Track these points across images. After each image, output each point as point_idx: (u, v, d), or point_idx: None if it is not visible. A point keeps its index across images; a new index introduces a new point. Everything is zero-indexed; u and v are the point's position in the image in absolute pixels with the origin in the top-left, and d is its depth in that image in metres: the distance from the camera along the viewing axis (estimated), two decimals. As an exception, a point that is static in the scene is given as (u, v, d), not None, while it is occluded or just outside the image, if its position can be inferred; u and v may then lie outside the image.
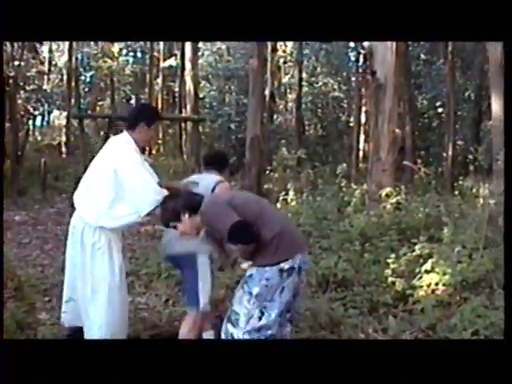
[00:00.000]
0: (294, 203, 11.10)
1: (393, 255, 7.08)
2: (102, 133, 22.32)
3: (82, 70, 33.05)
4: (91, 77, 35.61)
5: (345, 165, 12.68)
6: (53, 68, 33.01)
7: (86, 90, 36.21)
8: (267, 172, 16.12)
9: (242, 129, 20.74)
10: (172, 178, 18.91)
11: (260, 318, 4.11)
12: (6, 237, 12.00)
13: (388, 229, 8.32)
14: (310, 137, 26.34)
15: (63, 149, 27.83)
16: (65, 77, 28.55)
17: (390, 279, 6.73)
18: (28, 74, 27.49)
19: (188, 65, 23.30)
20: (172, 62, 28.73)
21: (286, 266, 4.11)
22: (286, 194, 11.55)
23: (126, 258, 5.40)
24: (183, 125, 24.91)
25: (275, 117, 26.84)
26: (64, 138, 28.08)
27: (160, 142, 28.71)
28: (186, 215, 4.42)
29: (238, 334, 4.14)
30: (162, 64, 29.82)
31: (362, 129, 23.95)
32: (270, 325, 4.13)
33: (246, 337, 4.11)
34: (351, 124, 25.64)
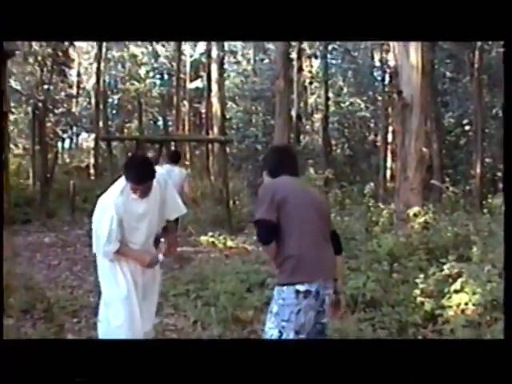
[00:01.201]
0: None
1: (421, 275, 7.02)
2: (129, 155, 22.51)
3: (109, 92, 33.37)
4: (119, 99, 35.95)
5: (372, 184, 12.70)
6: (81, 91, 33.45)
7: (114, 112, 36.58)
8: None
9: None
10: (199, 199, 19.05)
11: (279, 338, 4.07)
12: (36, 259, 12.17)
13: (416, 248, 8.27)
14: (337, 157, 26.35)
15: (91, 171, 28.09)
16: (93, 99, 28.85)
17: (419, 299, 6.66)
18: (57, 97, 27.92)
19: (214, 86, 23.50)
20: (198, 83, 29.01)
21: (302, 288, 4.04)
22: (314, 214, 11.50)
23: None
24: (210, 146, 25.06)
25: (302, 137, 26.88)
26: (92, 160, 28.35)
27: (187, 163, 28.90)
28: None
29: None
30: (189, 85, 30.10)
31: (389, 148, 23.89)
32: None
33: None
34: (378, 143, 25.60)
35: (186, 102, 31.08)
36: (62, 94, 29.06)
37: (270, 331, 4.09)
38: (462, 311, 6.28)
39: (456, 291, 6.48)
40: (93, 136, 29.06)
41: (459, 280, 6.62)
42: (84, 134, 35.87)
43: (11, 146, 26.01)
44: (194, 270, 9.45)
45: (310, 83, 29.94)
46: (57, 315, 7.11)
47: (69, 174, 24.95)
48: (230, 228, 14.55)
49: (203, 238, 13.55)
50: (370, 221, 10.72)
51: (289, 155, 4.57)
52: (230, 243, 12.66)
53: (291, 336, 4.04)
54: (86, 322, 7.25)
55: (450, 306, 6.38)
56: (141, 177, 4.82)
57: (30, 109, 27.51)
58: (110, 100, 34.95)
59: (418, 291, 6.79)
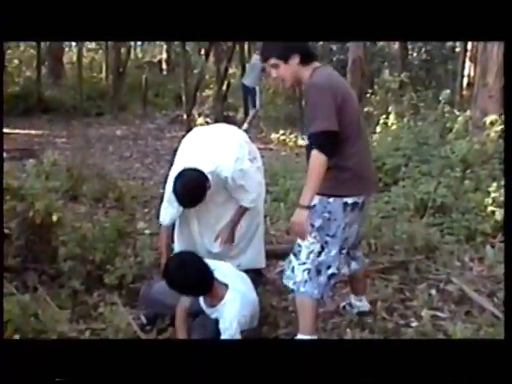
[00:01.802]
0: (394, 127, 10.89)
1: (494, 184, 6.82)
2: (202, 51, 22.37)
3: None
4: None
5: (448, 91, 12.33)
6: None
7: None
8: (368, 95, 15.88)
9: (344, 50, 20.35)
10: (272, 97, 18.93)
11: (320, 254, 3.86)
12: (108, 150, 12.40)
13: (491, 157, 8.03)
14: (413, 61, 25.61)
15: (164, 66, 28.13)
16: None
17: (490, 208, 6.50)
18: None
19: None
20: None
21: (350, 200, 3.80)
22: (387, 117, 11.33)
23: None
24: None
25: (378, 39, 26.26)
26: (165, 56, 28.34)
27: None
28: None
29: (298, 266, 3.92)
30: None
31: (467, 55, 23.12)
32: (330, 261, 3.88)
33: (305, 274, 3.89)
34: (457, 49, 24.78)
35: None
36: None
37: (312, 246, 3.85)
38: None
39: (530, 201, 6.32)
40: (166, 31, 28.94)
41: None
42: (157, 29, 35.70)
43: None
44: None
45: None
46: (128, 204, 7.27)
47: (141, 69, 25.06)
48: (302, 127, 14.50)
49: (274, 136, 13.54)
50: (445, 127, 10.45)
51: None
52: (301, 142, 12.60)
53: (333, 252, 3.86)
54: (156, 212, 7.40)
55: (523, 217, 6.25)
56: (186, 205, 4.59)
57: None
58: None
59: (489, 200, 6.63)
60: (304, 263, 3.89)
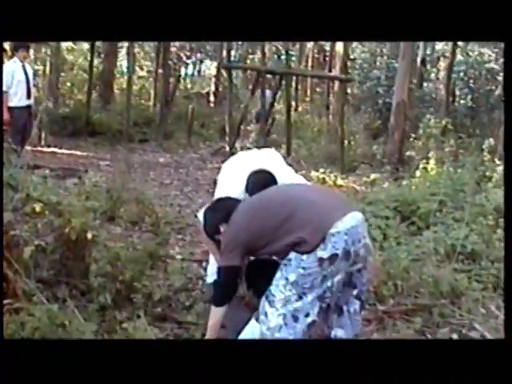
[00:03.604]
0: (433, 172, 10.95)
1: (527, 234, 6.84)
2: (250, 85, 22.69)
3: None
4: (244, 30, 35.98)
5: (491, 139, 12.35)
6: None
7: (240, 42, 36.72)
8: (411, 139, 15.93)
9: (390, 93, 20.44)
10: (315, 136, 19.08)
11: (297, 300, 3.64)
12: (149, 176, 12.64)
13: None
14: (458, 108, 25.56)
15: (211, 98, 28.54)
16: (219, 28, 29.08)
17: (522, 258, 6.53)
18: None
19: (341, 24, 23.14)
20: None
21: (325, 254, 3.56)
22: (427, 162, 11.40)
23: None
24: (331, 84, 24.88)
25: (425, 84, 26.22)
26: (213, 88, 28.77)
27: (307, 99, 28.82)
28: (224, 226, 4.05)
29: (273, 313, 3.71)
30: (316, 22, 29.77)
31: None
32: (308, 308, 3.66)
33: (280, 319, 3.69)
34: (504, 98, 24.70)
35: (311, 38, 30.86)
36: (189, 20, 29.41)
37: (288, 297, 3.67)
38: None
39: (561, 255, 6.31)
40: (215, 64, 29.40)
41: None
42: (207, 62, 36.26)
43: (136, 68, 26.68)
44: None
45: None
46: (163, 229, 7.43)
47: (189, 99, 25.50)
48: (342, 167, 14.58)
49: (314, 174, 13.66)
50: (484, 175, 10.47)
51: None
52: (340, 181, 12.70)
53: (309, 299, 3.64)
54: (190, 240, 7.56)
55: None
56: None
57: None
58: (236, 30, 35.00)
59: (520, 250, 6.63)
60: (277, 308, 3.71)
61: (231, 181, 4.78)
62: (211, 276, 4.82)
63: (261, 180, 4.49)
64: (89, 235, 5.07)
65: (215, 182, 5.04)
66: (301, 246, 3.63)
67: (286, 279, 3.65)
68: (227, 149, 15.90)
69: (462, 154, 12.89)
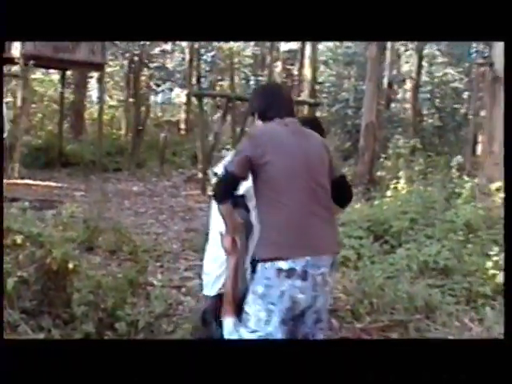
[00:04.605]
0: (404, 191, 11.16)
1: (496, 248, 7.04)
2: (220, 112, 22.90)
3: (203, 50, 33.72)
4: (212, 57, 36.27)
5: (459, 157, 12.63)
6: (176, 47, 33.94)
7: (207, 69, 36.97)
8: (381, 159, 16.18)
9: (359, 115, 20.75)
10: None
11: (267, 322, 3.46)
12: (124, 205, 12.70)
13: (495, 223, 8.26)
14: (426, 127, 25.98)
15: (182, 125, 28.72)
16: (187, 56, 29.34)
17: (492, 271, 6.71)
18: (152, 52, 28.50)
19: (308, 49, 23.48)
20: (292, 45, 28.96)
21: (284, 265, 3.39)
22: (398, 181, 11.62)
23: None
24: (300, 108, 25.15)
25: (392, 105, 26.63)
26: (183, 116, 28.94)
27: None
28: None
29: (248, 334, 3.54)
30: (282, 47, 30.12)
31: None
32: (276, 333, 3.47)
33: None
34: (470, 116, 25.13)
35: (278, 63, 31.17)
36: (157, 49, 29.63)
37: (259, 313, 3.48)
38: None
39: (531, 267, 6.49)
40: (185, 92, 29.61)
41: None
42: (177, 90, 36.46)
43: (106, 97, 26.77)
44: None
45: (406, 51, 29.49)
46: (141, 257, 7.51)
47: (159, 127, 25.64)
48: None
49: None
50: (453, 192, 10.72)
51: (281, 94, 3.89)
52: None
53: (277, 323, 3.46)
54: (167, 267, 7.66)
55: (523, 282, 6.42)
56: None
57: (125, 62, 28.24)
58: (204, 57, 35.33)
59: (490, 263, 6.83)
60: (254, 331, 3.51)
61: None
62: (208, 287, 4.92)
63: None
64: (70, 265, 5.14)
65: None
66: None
67: (254, 293, 3.51)
68: (200, 176, 16.02)
69: (431, 172, 13.11)
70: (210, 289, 4.60)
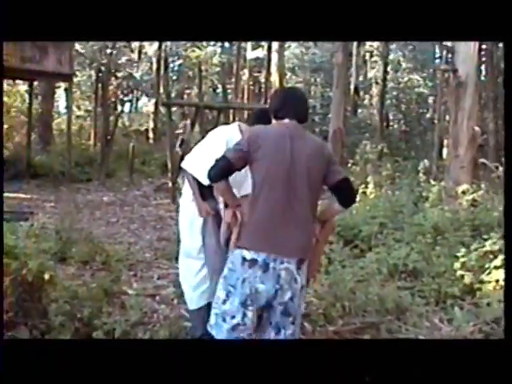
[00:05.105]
0: (372, 196, 11.32)
1: (464, 249, 7.21)
2: (188, 120, 22.93)
3: (170, 58, 33.75)
4: (179, 65, 36.28)
5: (426, 161, 12.81)
6: (143, 56, 33.91)
7: (175, 78, 36.96)
8: (349, 165, 16.34)
9: (326, 121, 20.94)
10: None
11: (224, 302, 3.84)
12: (95, 215, 12.70)
13: (462, 225, 8.43)
14: (392, 132, 26.29)
15: (150, 135, 28.70)
16: (154, 65, 29.38)
17: (460, 272, 6.85)
18: (119, 61, 28.45)
19: (274, 56, 23.65)
20: (259, 53, 29.12)
21: (248, 255, 3.74)
22: (366, 187, 11.78)
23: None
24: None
25: (359, 111, 26.89)
26: (152, 125, 28.94)
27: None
28: None
29: (212, 312, 3.97)
30: (249, 55, 30.26)
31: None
32: (234, 311, 3.79)
33: (214, 318, 3.91)
34: (435, 120, 25.54)
35: (245, 71, 31.29)
36: (124, 58, 29.60)
37: (219, 292, 3.89)
38: (501, 287, 6.42)
39: (496, 267, 6.61)
40: (153, 101, 29.60)
41: (500, 256, 6.74)
42: (144, 99, 36.47)
43: (74, 107, 26.68)
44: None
45: (371, 57, 29.85)
46: (114, 267, 7.55)
47: (128, 137, 25.62)
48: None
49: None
50: (420, 196, 10.89)
51: (294, 97, 4.10)
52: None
53: (236, 303, 3.78)
54: (141, 276, 7.71)
55: (489, 282, 6.56)
56: None
57: (93, 72, 28.16)
58: (171, 66, 35.34)
59: (458, 264, 6.99)
60: (214, 307, 3.94)
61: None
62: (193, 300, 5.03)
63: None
64: (46, 276, 5.18)
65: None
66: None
67: (223, 276, 3.90)
68: (170, 184, 16.04)
69: (399, 176, 13.27)
70: (196, 303, 4.75)
